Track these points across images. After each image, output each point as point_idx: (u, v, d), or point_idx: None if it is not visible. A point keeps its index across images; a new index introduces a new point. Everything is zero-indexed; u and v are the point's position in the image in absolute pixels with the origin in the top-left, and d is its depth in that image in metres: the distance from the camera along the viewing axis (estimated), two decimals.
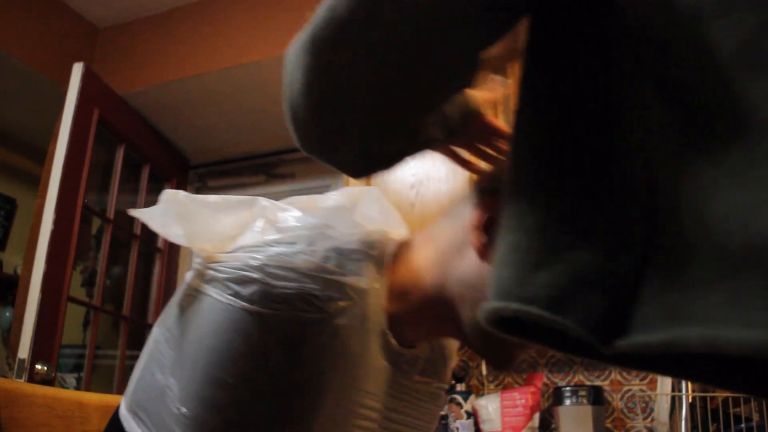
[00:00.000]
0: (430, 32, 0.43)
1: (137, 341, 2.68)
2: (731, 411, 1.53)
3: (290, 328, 0.58)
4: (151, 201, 2.77)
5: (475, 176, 0.69)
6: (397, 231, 0.76)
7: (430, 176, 2.21)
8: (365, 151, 0.53)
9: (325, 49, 0.44)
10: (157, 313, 2.70)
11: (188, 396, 0.59)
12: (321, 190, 2.84)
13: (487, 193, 0.61)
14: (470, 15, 0.43)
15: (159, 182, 2.87)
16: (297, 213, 0.67)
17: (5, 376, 1.84)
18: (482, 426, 1.90)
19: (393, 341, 0.66)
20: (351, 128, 0.49)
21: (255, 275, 0.59)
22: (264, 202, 0.70)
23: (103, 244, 2.44)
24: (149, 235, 2.76)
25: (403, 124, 0.51)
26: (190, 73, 2.47)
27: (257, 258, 0.60)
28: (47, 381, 1.87)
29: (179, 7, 2.61)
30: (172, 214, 0.66)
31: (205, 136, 2.91)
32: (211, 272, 0.62)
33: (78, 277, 2.60)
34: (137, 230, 2.61)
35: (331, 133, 0.50)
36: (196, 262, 0.66)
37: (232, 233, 0.66)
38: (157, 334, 0.68)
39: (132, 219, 2.64)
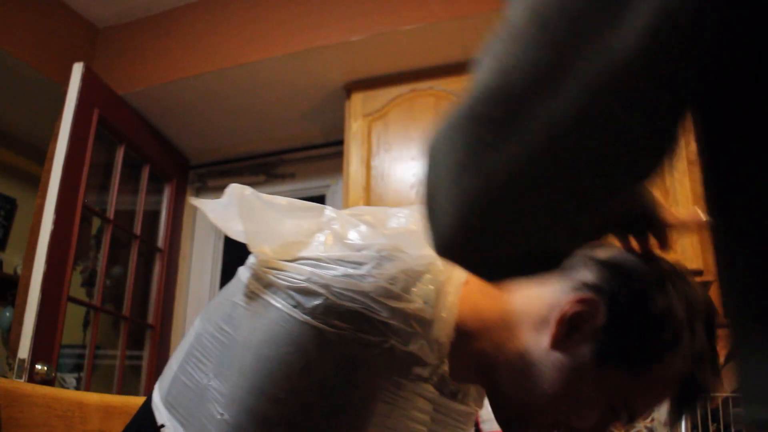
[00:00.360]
0: (621, 113, 0.33)
1: (137, 341, 2.68)
2: (731, 411, 1.53)
3: (350, 348, 0.56)
4: (151, 201, 2.77)
5: (594, 249, 0.64)
6: None
7: None
8: (526, 254, 0.42)
9: (490, 129, 0.35)
10: (158, 313, 2.70)
11: (232, 403, 0.57)
12: (321, 190, 2.85)
13: (593, 288, 0.59)
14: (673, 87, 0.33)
15: (159, 182, 2.87)
16: (365, 230, 0.64)
17: (5, 376, 1.84)
18: (482, 426, 1.90)
19: (447, 372, 0.64)
20: (514, 227, 0.39)
21: (320, 290, 0.57)
22: (331, 212, 0.67)
23: (103, 244, 2.43)
24: (149, 235, 2.76)
25: (582, 220, 0.40)
26: (190, 73, 2.46)
27: (322, 275, 0.58)
28: (47, 381, 1.87)
29: (179, 7, 2.61)
30: (235, 210, 0.64)
31: (205, 136, 2.91)
32: (271, 278, 0.60)
33: (78, 277, 2.60)
34: (137, 230, 2.61)
35: (486, 233, 0.39)
36: (252, 263, 0.65)
37: (295, 239, 0.64)
38: (201, 328, 0.65)
39: (132, 219, 2.64)
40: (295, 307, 0.57)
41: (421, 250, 0.64)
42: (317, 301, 0.57)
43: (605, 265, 0.62)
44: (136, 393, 2.56)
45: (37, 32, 2.43)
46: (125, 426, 0.70)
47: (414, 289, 0.60)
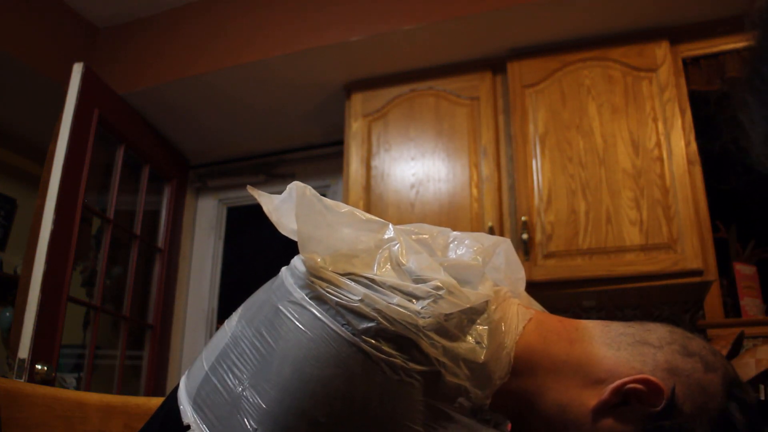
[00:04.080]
0: None
1: (137, 341, 2.68)
2: None
3: (397, 376, 0.54)
4: (151, 201, 2.77)
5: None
6: (520, 287, 0.73)
7: (430, 176, 2.21)
8: None
9: None
10: (158, 313, 2.70)
11: (268, 418, 0.54)
12: (321, 190, 2.85)
13: (665, 372, 0.58)
14: None
15: (159, 182, 2.87)
16: (425, 259, 0.61)
17: (5, 376, 1.84)
18: None
19: (487, 406, 0.62)
20: None
21: (372, 313, 0.55)
22: (392, 231, 0.65)
23: (103, 244, 2.44)
24: (149, 235, 2.76)
25: None
26: (190, 73, 2.47)
27: (376, 300, 0.56)
28: (47, 381, 1.87)
29: (179, 7, 2.61)
30: (292, 207, 0.62)
31: (205, 136, 2.92)
32: (320, 290, 0.58)
33: (78, 277, 2.60)
34: (137, 230, 2.61)
35: None
36: (301, 270, 0.61)
37: (348, 252, 0.62)
38: (240, 330, 0.62)
39: (132, 219, 2.64)
40: (344, 326, 0.55)
41: (478, 287, 0.62)
42: (369, 324, 0.55)
43: (687, 355, 0.60)
44: (136, 393, 2.56)
45: (37, 32, 2.43)
46: (148, 419, 0.68)
47: (467, 329, 0.59)
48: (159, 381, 2.66)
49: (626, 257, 1.88)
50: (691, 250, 1.82)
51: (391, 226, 0.66)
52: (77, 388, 2.55)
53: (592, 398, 0.59)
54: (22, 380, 1.79)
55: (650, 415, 0.57)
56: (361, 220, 0.66)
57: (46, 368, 1.88)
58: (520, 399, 0.62)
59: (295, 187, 0.63)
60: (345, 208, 0.66)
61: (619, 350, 0.61)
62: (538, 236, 1.98)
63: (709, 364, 0.59)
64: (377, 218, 0.67)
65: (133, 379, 2.63)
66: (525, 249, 1.96)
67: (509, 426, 0.71)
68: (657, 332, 0.62)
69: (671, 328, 0.63)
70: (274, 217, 0.65)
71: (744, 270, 1.94)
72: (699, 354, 0.60)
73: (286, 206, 0.64)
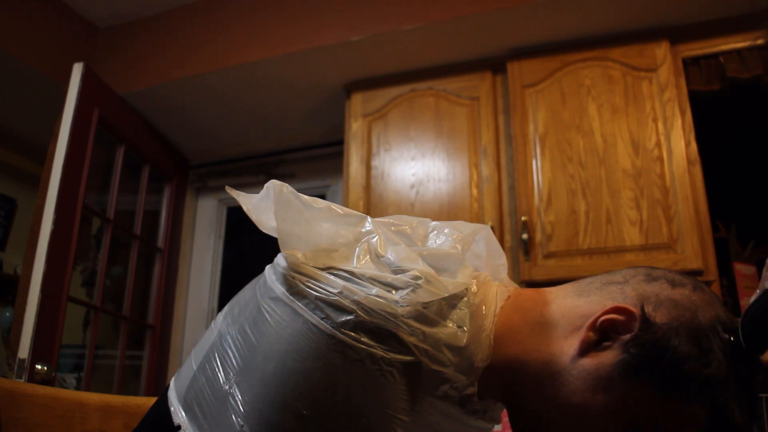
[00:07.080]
0: None
1: (137, 341, 2.68)
2: None
3: (377, 367, 0.55)
4: (151, 201, 2.77)
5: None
6: (501, 273, 0.74)
7: (430, 176, 2.21)
8: None
9: None
10: (157, 313, 2.70)
11: (253, 414, 0.55)
12: (321, 190, 2.85)
13: (633, 299, 0.58)
14: None
15: (159, 182, 2.87)
16: (403, 249, 0.62)
17: (5, 376, 1.84)
18: None
19: (474, 392, 0.62)
20: None
21: (351, 306, 0.56)
22: (370, 224, 0.66)
23: (103, 244, 2.43)
24: (149, 235, 2.76)
25: None
26: (190, 73, 2.47)
27: (355, 291, 0.56)
28: (47, 381, 1.87)
29: (179, 7, 2.61)
30: (270, 205, 0.63)
31: (205, 136, 2.91)
32: (300, 285, 0.58)
33: (78, 277, 2.60)
34: (137, 230, 2.61)
35: None
36: (281, 266, 0.62)
37: (328, 246, 0.63)
38: (225, 329, 0.63)
39: (132, 219, 2.64)
40: (323, 319, 0.56)
41: (457, 275, 0.62)
42: (347, 317, 0.55)
43: (652, 280, 0.61)
44: (136, 393, 2.56)
45: (37, 32, 2.43)
46: (141, 419, 0.69)
47: (448, 314, 0.59)
48: (159, 381, 2.66)
49: (626, 257, 1.88)
50: (691, 250, 1.82)
51: (369, 218, 0.67)
52: (77, 388, 2.55)
53: (572, 345, 0.60)
54: (22, 380, 1.79)
55: (628, 339, 0.58)
56: (339, 215, 0.66)
57: (46, 368, 1.88)
58: (508, 373, 0.62)
59: (272, 185, 0.64)
60: (322, 203, 0.66)
61: (589, 296, 0.62)
62: (538, 236, 1.98)
63: (675, 281, 0.61)
64: (355, 212, 0.67)
65: (133, 379, 2.63)
66: (525, 249, 1.96)
67: (504, 412, 0.71)
68: (621, 272, 0.64)
69: (634, 266, 0.65)
70: (253, 216, 0.65)
71: (744, 270, 1.94)
72: (664, 276, 0.61)
73: (264, 204, 0.65)
